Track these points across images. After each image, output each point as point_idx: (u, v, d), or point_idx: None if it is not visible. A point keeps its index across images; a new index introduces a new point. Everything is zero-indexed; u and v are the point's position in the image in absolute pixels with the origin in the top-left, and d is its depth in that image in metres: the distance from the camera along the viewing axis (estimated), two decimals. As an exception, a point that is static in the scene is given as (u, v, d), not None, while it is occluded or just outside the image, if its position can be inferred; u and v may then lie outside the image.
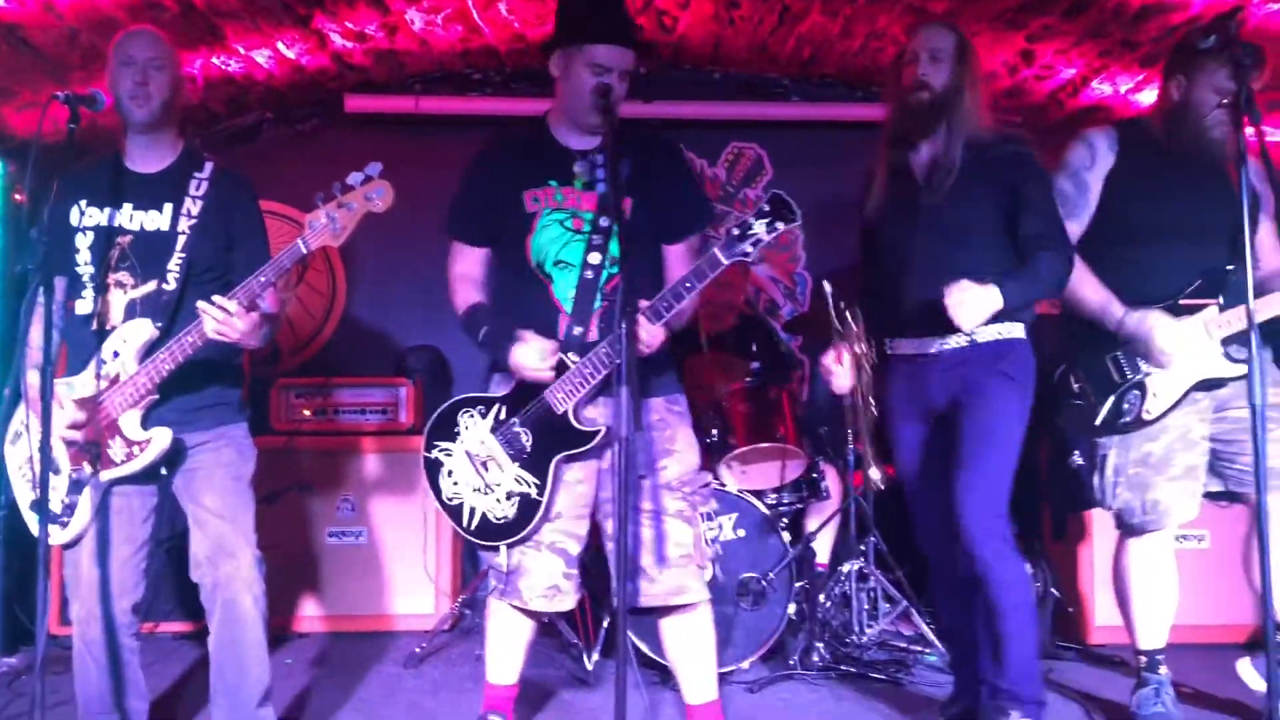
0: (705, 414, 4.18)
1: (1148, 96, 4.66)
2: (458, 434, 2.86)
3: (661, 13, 4.67)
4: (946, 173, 2.88)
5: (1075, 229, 3.14)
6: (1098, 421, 3.12)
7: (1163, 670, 3.23)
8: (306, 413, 4.71)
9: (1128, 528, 3.23)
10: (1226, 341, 3.01)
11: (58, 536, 2.77)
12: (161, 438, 2.73)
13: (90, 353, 2.76)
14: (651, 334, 2.58)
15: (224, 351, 2.84)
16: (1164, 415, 3.06)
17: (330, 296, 5.41)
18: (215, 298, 2.60)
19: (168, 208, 2.85)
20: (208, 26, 4.09)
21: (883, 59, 4.95)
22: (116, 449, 2.73)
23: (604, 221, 2.73)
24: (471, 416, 2.85)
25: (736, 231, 2.52)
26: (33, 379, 2.70)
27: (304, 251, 2.64)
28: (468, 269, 2.92)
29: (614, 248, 2.73)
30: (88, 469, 2.75)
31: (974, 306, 2.70)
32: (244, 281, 2.64)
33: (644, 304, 2.57)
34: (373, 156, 5.44)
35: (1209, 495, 3.25)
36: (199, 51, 4.31)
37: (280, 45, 4.47)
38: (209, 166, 2.92)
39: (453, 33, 4.73)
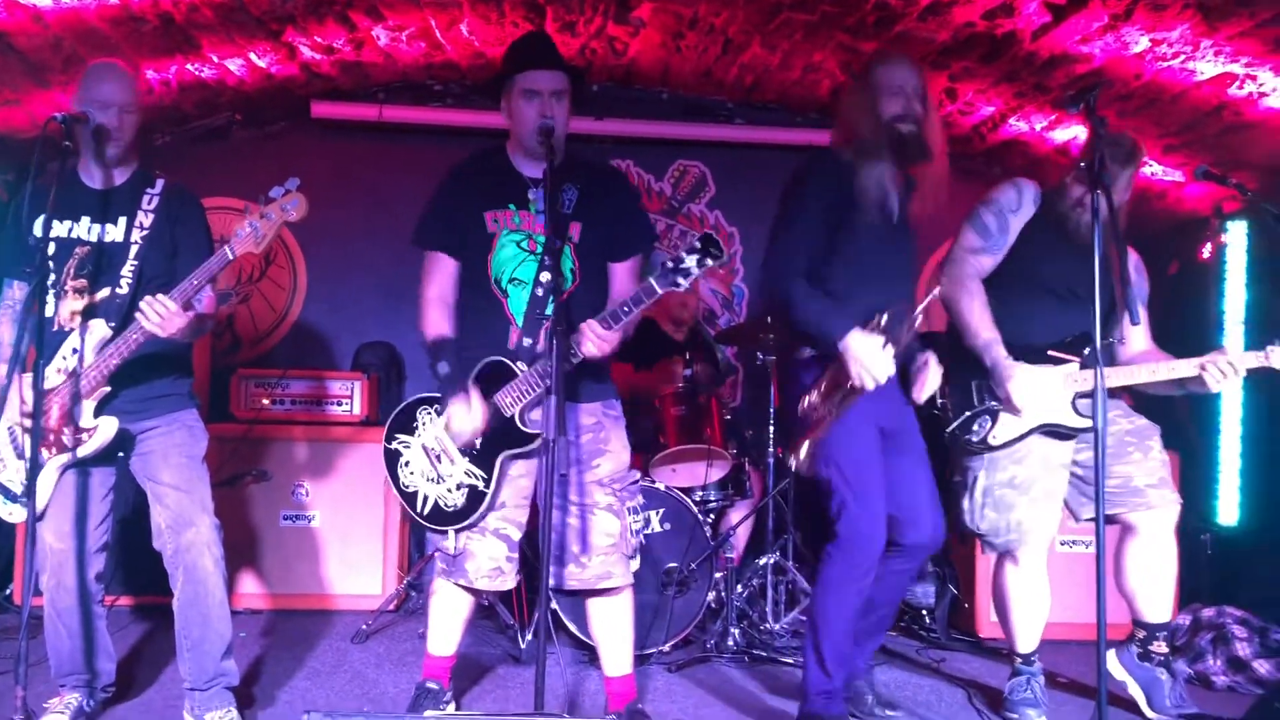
0: (640, 416, 4.52)
1: (1061, 134, 5.06)
2: (416, 428, 3.18)
3: (613, 39, 4.99)
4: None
5: (988, 263, 3.48)
6: (946, 432, 3.48)
7: (1036, 664, 3.58)
8: (265, 402, 4.97)
9: (993, 548, 3.54)
10: (1080, 395, 3.37)
11: (19, 515, 3.05)
12: (107, 426, 3.01)
13: (53, 352, 3.01)
14: (603, 339, 2.86)
15: (171, 347, 3.08)
16: (1003, 446, 3.41)
17: (291, 291, 5.67)
18: (154, 296, 2.87)
19: (122, 221, 3.12)
20: (185, 38, 4.35)
21: (819, 90, 5.31)
22: (69, 435, 3.00)
23: (555, 244, 3.02)
24: (429, 414, 3.16)
25: (670, 265, 2.79)
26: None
27: (230, 258, 2.91)
28: (441, 290, 3.16)
29: (564, 267, 3.05)
30: (45, 454, 3.00)
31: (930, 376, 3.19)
32: (180, 284, 2.91)
33: (592, 322, 2.86)
34: (336, 160, 5.82)
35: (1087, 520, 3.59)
36: (174, 59, 4.56)
37: (252, 55, 4.73)
38: (160, 183, 3.19)
39: (416, 49, 5.01)
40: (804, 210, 3.14)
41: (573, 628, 4.02)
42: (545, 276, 3.03)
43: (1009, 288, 3.49)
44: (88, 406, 3.00)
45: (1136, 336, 3.57)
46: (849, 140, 3.19)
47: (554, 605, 4.05)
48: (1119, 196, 3.35)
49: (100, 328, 3.01)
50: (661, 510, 4.18)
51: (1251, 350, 3.34)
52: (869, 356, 2.92)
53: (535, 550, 4.03)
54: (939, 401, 3.55)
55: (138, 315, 2.88)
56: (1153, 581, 3.49)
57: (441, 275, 3.17)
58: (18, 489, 3.02)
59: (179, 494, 3.11)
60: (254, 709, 3.39)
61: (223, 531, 3.18)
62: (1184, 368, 3.33)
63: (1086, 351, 3.35)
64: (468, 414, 2.99)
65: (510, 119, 3.10)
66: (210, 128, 5.48)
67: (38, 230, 3.04)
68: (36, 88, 4.34)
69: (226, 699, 3.15)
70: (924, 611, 4.58)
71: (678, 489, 4.29)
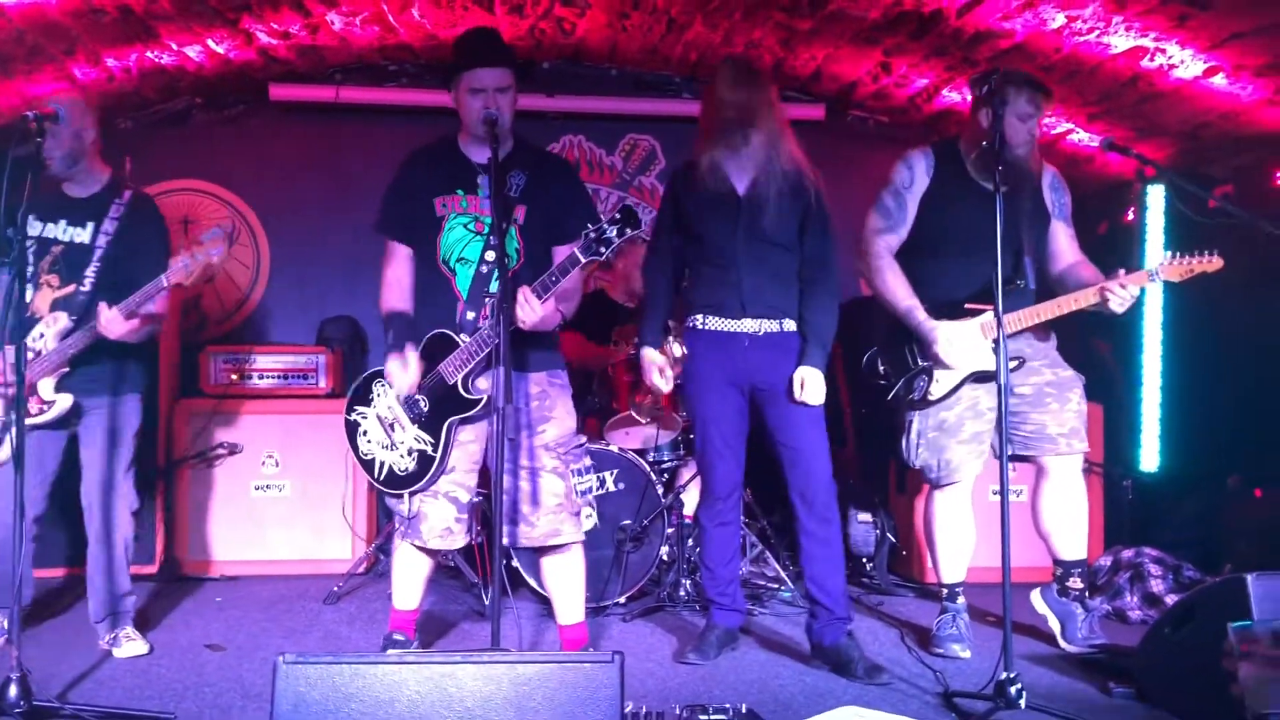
0: (595, 382, 4.76)
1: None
2: (372, 400, 3.40)
3: (560, 19, 5.16)
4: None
5: (894, 240, 3.77)
6: (889, 397, 3.76)
7: (960, 600, 3.89)
8: (234, 377, 5.16)
9: (930, 482, 3.89)
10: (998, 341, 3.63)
11: None
12: (64, 400, 3.58)
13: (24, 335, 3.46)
14: (533, 307, 3.08)
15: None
16: (943, 398, 3.71)
17: (255, 270, 5.84)
18: (103, 306, 3.42)
19: (90, 225, 3.63)
20: (144, 27, 4.49)
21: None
22: (33, 405, 3.55)
23: (500, 226, 3.23)
24: (383, 385, 3.39)
25: (594, 235, 3.03)
26: None
27: (164, 285, 3.43)
28: (399, 273, 3.40)
29: (509, 248, 3.27)
30: (10, 415, 3.42)
31: (819, 387, 3.50)
32: (127, 298, 3.43)
33: (524, 288, 3.10)
34: (295, 141, 5.97)
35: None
36: (135, 47, 4.70)
37: (210, 42, 4.88)
38: (128, 194, 3.70)
39: (370, 32, 5.17)
40: None
41: (533, 583, 4.26)
42: (490, 256, 3.25)
43: (926, 251, 3.76)
44: (48, 383, 3.56)
45: (1065, 251, 3.84)
46: None
47: (515, 563, 4.30)
48: (1027, 130, 3.63)
49: (62, 319, 3.55)
50: (615, 471, 4.43)
51: (1142, 271, 3.59)
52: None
53: (500, 511, 4.26)
54: (881, 369, 3.83)
55: (98, 323, 3.43)
56: (1064, 521, 3.79)
57: (397, 259, 3.41)
58: None
59: (101, 470, 3.70)
60: (234, 664, 3.61)
61: (138, 505, 3.86)
62: (1085, 298, 3.60)
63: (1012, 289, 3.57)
64: (402, 370, 3.24)
65: (459, 110, 3.31)
66: (171, 112, 5.61)
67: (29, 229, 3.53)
68: (2, 78, 4.48)
69: (125, 621, 3.77)
70: (864, 559, 4.87)
71: (632, 450, 4.53)
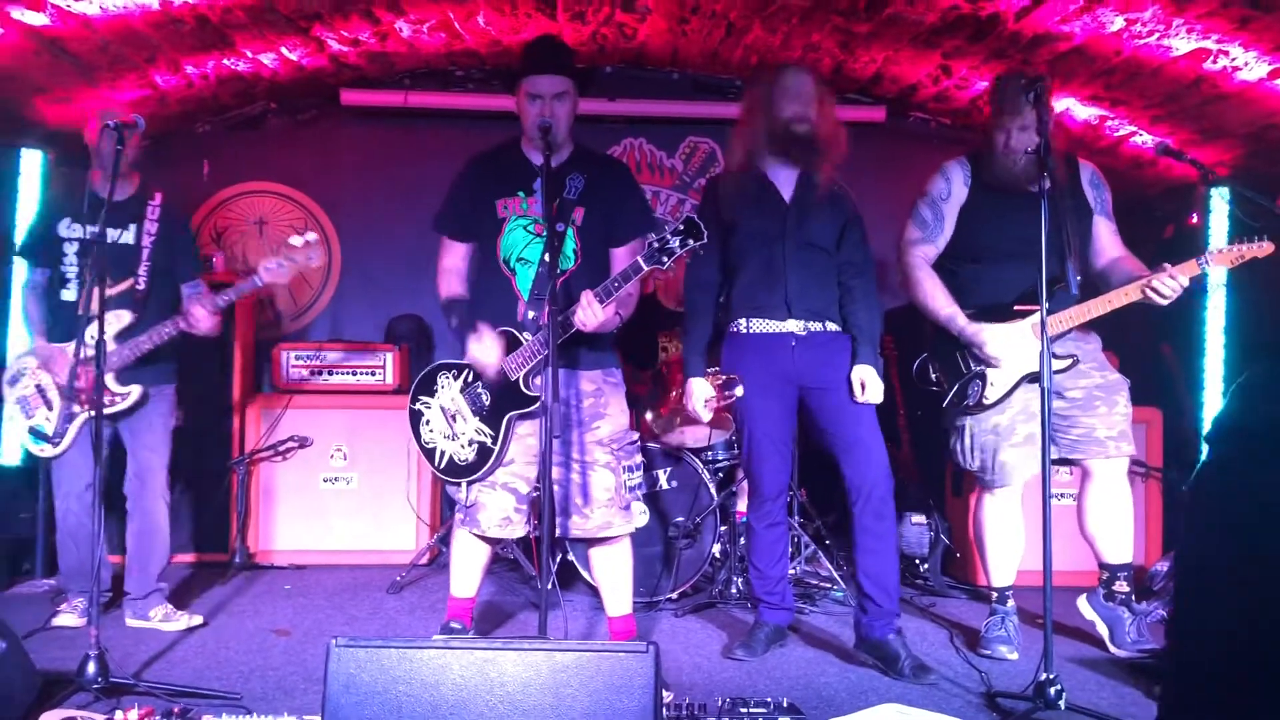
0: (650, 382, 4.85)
1: (1055, 104, 5.27)
2: (436, 391, 3.53)
3: (621, 25, 5.26)
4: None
5: (932, 251, 3.81)
6: (945, 403, 3.79)
7: (1010, 603, 3.90)
8: (305, 373, 5.35)
9: (984, 484, 3.90)
10: (1050, 339, 3.63)
11: (50, 452, 3.94)
12: (135, 391, 3.90)
13: (72, 328, 3.80)
14: (594, 312, 3.17)
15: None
16: (999, 401, 3.71)
17: (327, 269, 6.03)
18: (194, 305, 3.82)
19: (133, 226, 3.97)
20: (220, 36, 4.69)
21: (821, 68, 5.55)
22: (105, 397, 3.66)
23: (559, 227, 3.34)
24: (447, 378, 3.51)
25: (656, 245, 3.10)
26: (39, 343, 3.97)
27: (258, 284, 3.82)
28: (453, 263, 3.56)
29: (567, 248, 3.37)
30: (76, 408, 3.89)
31: (878, 386, 3.59)
32: (213, 294, 3.86)
33: (587, 292, 3.19)
34: (366, 144, 6.14)
35: (1051, 461, 3.89)
36: (212, 55, 4.90)
37: (284, 49, 5.07)
38: (159, 197, 4.04)
39: (437, 39, 5.32)
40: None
41: (587, 576, 4.36)
42: (549, 256, 3.35)
43: (969, 259, 3.79)
44: (113, 376, 3.84)
45: (1108, 246, 3.83)
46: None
47: (570, 556, 4.41)
48: (1036, 133, 3.55)
49: (125, 316, 3.85)
50: (669, 469, 4.51)
51: (1190, 260, 3.55)
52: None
53: (549, 504, 4.37)
54: (933, 376, 3.86)
55: (186, 321, 3.81)
56: (1110, 524, 3.78)
57: (451, 251, 3.57)
58: (49, 431, 3.93)
59: (149, 454, 4.03)
60: (299, 649, 3.77)
61: (172, 489, 4.19)
62: (1134, 292, 3.59)
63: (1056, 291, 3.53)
64: (482, 345, 3.33)
65: (519, 114, 3.43)
66: (247, 116, 5.85)
67: (62, 231, 3.97)
68: (86, 86, 4.71)
69: (161, 599, 4.05)
70: (917, 560, 4.89)
71: (687, 449, 4.61)
